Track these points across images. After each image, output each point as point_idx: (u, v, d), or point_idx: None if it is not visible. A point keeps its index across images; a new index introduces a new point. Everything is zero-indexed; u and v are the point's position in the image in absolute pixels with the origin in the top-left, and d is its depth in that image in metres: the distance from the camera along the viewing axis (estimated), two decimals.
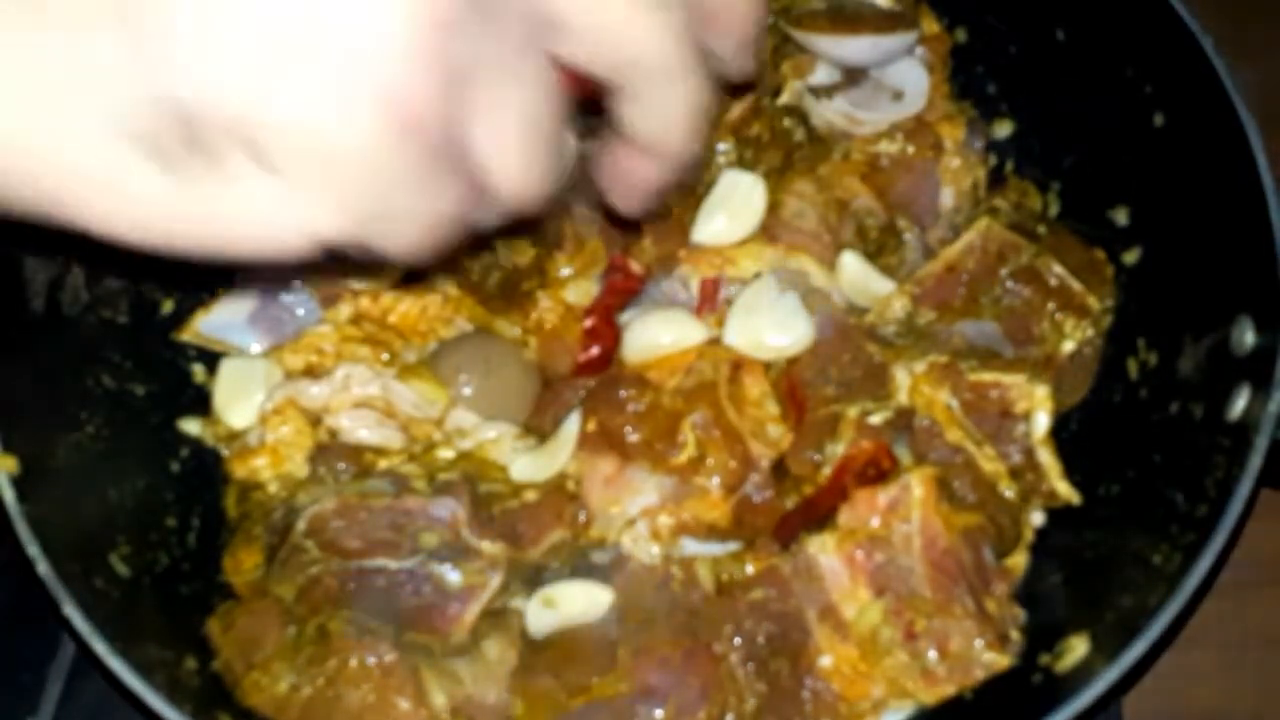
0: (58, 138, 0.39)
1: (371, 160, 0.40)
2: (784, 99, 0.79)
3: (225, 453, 0.74)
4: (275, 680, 0.63)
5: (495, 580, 0.67)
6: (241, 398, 0.73)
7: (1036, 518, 0.70)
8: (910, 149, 0.77)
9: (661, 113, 0.48)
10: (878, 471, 0.67)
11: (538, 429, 0.73)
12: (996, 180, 0.81)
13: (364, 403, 0.72)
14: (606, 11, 0.43)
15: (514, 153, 0.43)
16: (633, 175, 0.52)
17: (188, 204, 0.40)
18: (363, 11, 0.38)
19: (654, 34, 0.45)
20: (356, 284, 0.75)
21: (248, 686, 0.63)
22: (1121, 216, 0.75)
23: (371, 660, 0.62)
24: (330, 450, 0.72)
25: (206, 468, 0.73)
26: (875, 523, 0.65)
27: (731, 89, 0.73)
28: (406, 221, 0.43)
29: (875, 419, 0.68)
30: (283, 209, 0.40)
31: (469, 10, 0.39)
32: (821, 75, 0.79)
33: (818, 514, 0.67)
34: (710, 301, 0.74)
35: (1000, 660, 0.63)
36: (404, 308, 0.75)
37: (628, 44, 0.45)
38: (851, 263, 0.75)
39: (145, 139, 0.39)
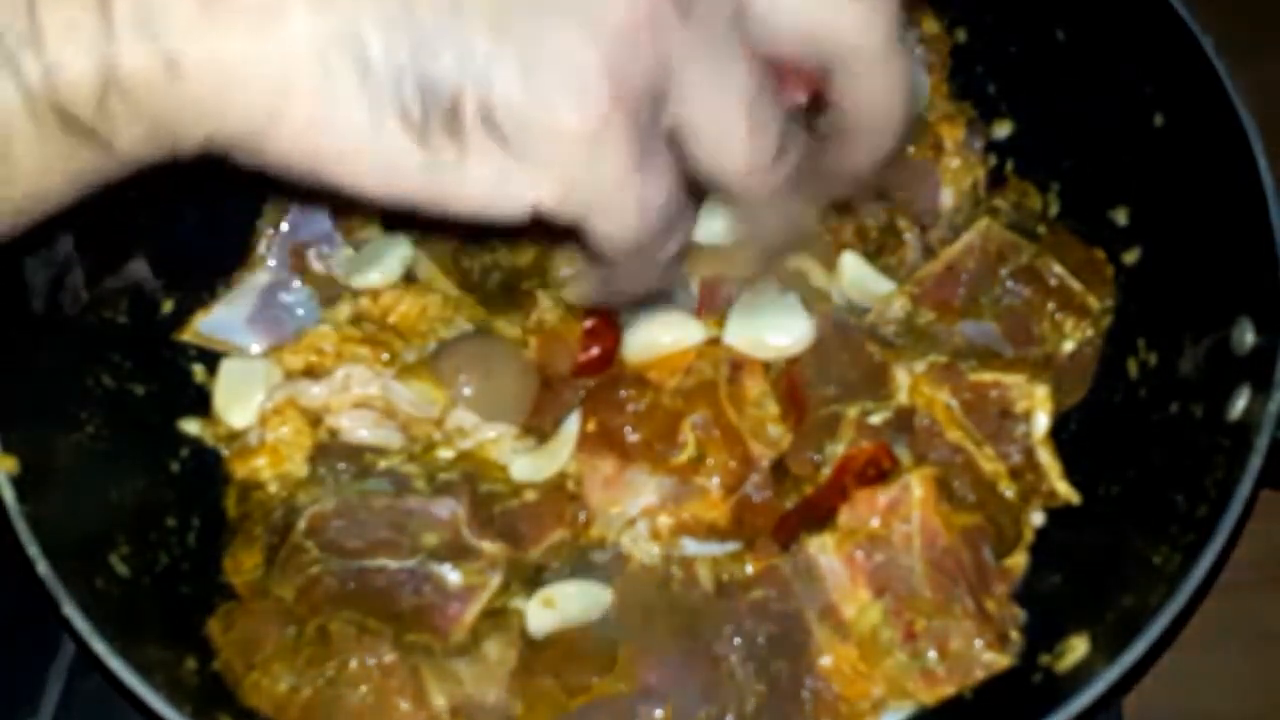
0: (332, 97, 0.41)
1: (593, 139, 0.43)
2: None
3: (225, 453, 0.74)
4: (275, 681, 0.63)
5: (495, 580, 0.67)
6: (241, 398, 0.73)
7: (1036, 518, 0.70)
8: (910, 149, 0.77)
9: (882, 90, 0.51)
10: (878, 471, 0.67)
11: (538, 429, 0.73)
12: (996, 180, 0.81)
13: (364, 403, 0.72)
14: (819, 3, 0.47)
15: (736, 132, 0.46)
16: (852, 160, 0.54)
17: (428, 170, 0.43)
18: (584, 11, 0.42)
19: (865, 16, 0.48)
20: (356, 284, 0.75)
21: (247, 687, 0.63)
22: (1121, 216, 0.75)
23: (371, 661, 0.62)
24: (330, 450, 0.72)
25: (206, 468, 0.73)
26: (875, 523, 0.65)
27: None
28: (622, 202, 0.45)
29: (875, 419, 0.68)
30: (509, 180, 0.43)
31: (669, 6, 0.43)
32: None
33: (818, 514, 0.67)
34: (710, 301, 0.74)
35: (1000, 660, 0.63)
36: (404, 308, 0.75)
37: (845, 30, 0.48)
38: (851, 263, 0.75)
39: (406, 111, 0.42)
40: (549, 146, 0.43)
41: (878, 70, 0.50)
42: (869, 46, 0.49)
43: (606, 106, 0.42)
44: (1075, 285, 0.73)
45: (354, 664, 0.62)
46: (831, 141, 0.53)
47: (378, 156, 0.43)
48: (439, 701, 0.62)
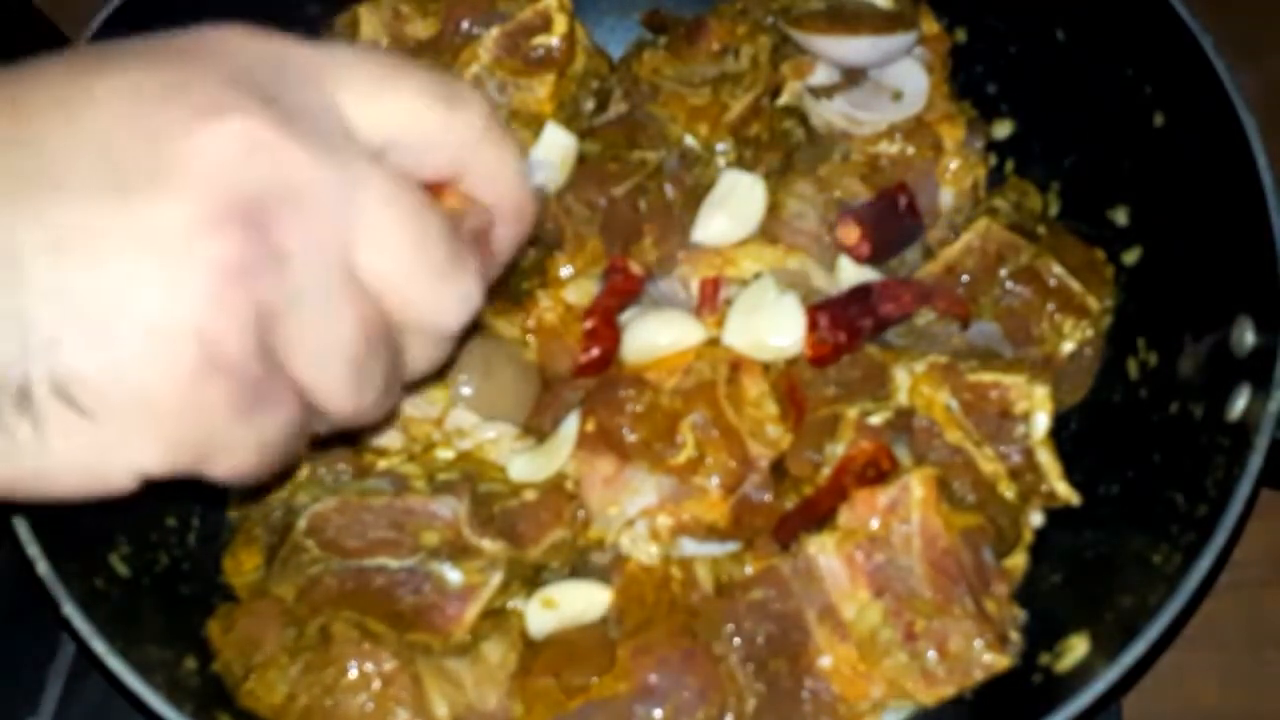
0: None
1: (188, 401, 0.39)
2: (784, 100, 0.80)
3: None
4: (270, 689, 0.63)
5: (495, 579, 0.67)
6: None
7: (1036, 518, 0.70)
8: (910, 149, 0.77)
9: (497, 176, 0.49)
10: (877, 472, 0.67)
11: (537, 429, 0.73)
12: (996, 180, 0.81)
13: None
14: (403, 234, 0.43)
15: (333, 378, 0.43)
16: (501, 245, 0.52)
17: (10, 458, 0.39)
18: (160, 271, 0.38)
19: (443, 118, 0.46)
20: None
21: (244, 694, 0.63)
22: (1121, 216, 0.75)
23: (371, 668, 0.62)
24: (330, 451, 0.72)
25: None
26: (875, 523, 0.65)
27: None
28: (235, 450, 0.42)
29: (875, 419, 0.68)
30: (105, 452, 0.40)
31: (262, 253, 0.39)
32: (821, 76, 0.79)
33: (817, 514, 0.67)
34: (710, 302, 0.74)
35: (1000, 661, 0.63)
36: None
37: (435, 134, 0.46)
38: (851, 263, 0.75)
39: None
40: (139, 414, 0.39)
41: (483, 158, 0.48)
42: (463, 141, 0.47)
43: (195, 368, 0.39)
44: (1075, 285, 0.73)
45: (354, 672, 0.62)
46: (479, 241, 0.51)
47: None
48: (440, 711, 0.62)
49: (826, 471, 0.68)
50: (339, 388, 0.44)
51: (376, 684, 0.62)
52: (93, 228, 0.38)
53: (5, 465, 0.40)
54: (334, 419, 0.46)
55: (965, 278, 0.74)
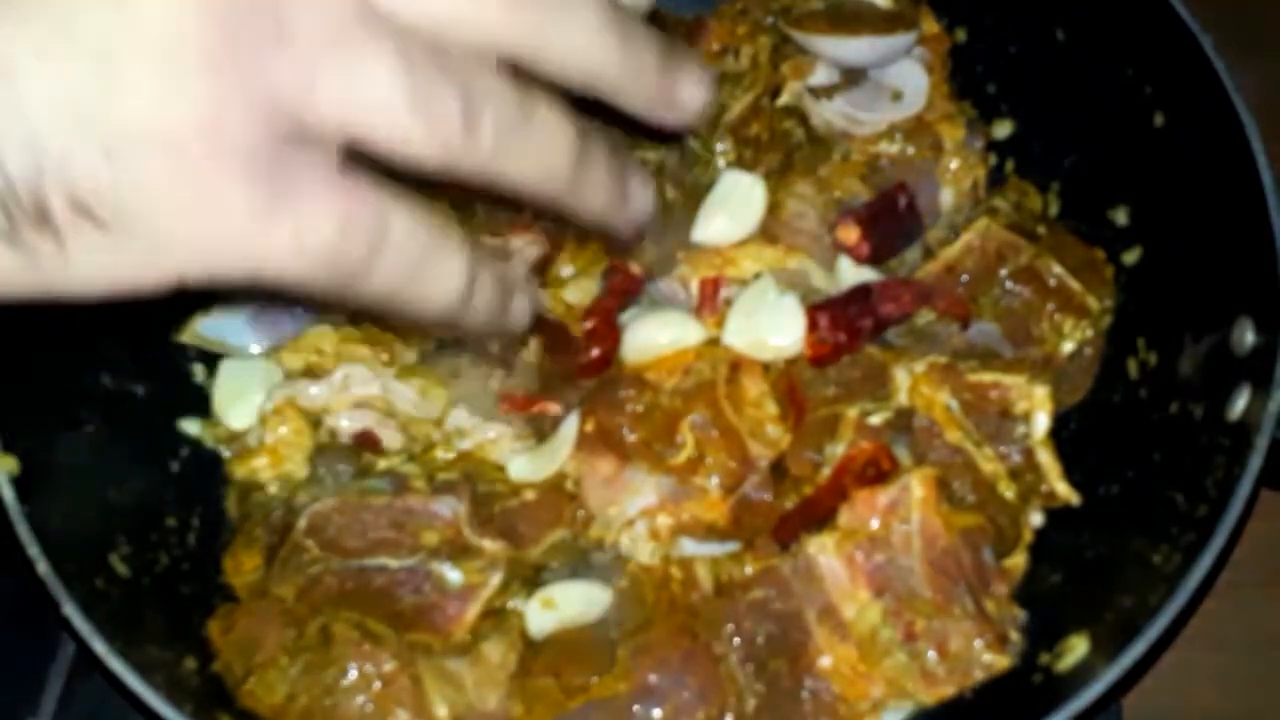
0: None
1: (207, 200, 0.38)
2: (784, 99, 0.80)
3: (225, 454, 0.74)
4: (270, 690, 0.63)
5: (495, 579, 0.67)
6: (241, 399, 0.73)
7: (1036, 518, 0.70)
8: (910, 149, 0.77)
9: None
10: (877, 472, 0.67)
11: (537, 429, 0.73)
12: (996, 180, 0.81)
13: (363, 403, 0.72)
14: None
15: (400, 109, 0.40)
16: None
17: (33, 271, 0.39)
18: (162, 67, 0.37)
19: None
20: None
21: (244, 695, 0.63)
22: (1121, 216, 0.75)
23: (371, 670, 0.62)
24: (330, 451, 0.72)
25: (206, 468, 0.73)
26: (875, 523, 0.65)
27: None
28: (274, 249, 0.40)
29: (875, 419, 0.68)
30: (134, 261, 0.39)
31: (266, 24, 0.38)
32: (821, 76, 0.79)
33: (817, 514, 0.66)
34: (710, 302, 0.74)
35: (1000, 661, 0.63)
36: None
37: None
38: (851, 263, 0.75)
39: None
40: (159, 220, 0.38)
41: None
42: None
43: (213, 166, 0.38)
44: (1075, 285, 0.73)
45: (354, 673, 0.62)
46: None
47: None
48: (440, 711, 0.62)
49: (826, 471, 0.68)
50: (402, 114, 0.39)
51: (376, 685, 0.62)
52: (90, 34, 0.37)
53: (35, 278, 0.39)
54: (411, 157, 0.41)
55: (965, 278, 0.74)
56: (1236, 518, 0.58)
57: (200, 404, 0.75)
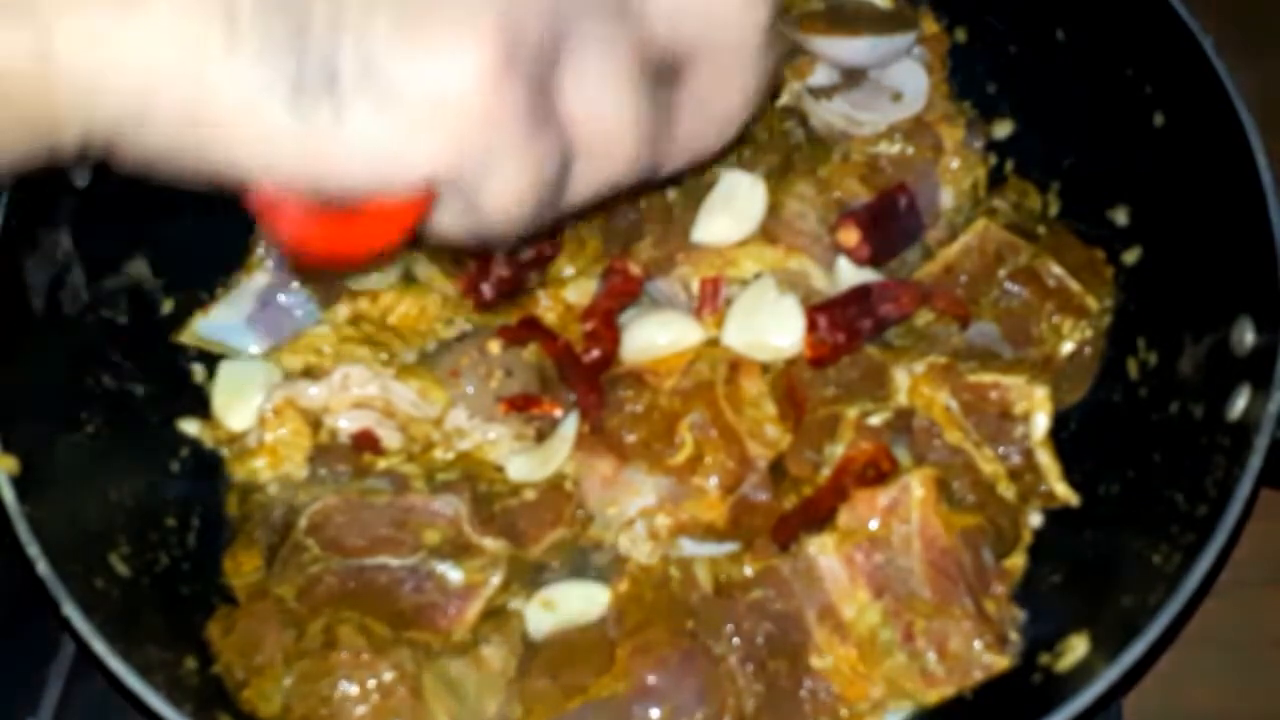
0: (202, 66, 0.40)
1: (485, 105, 0.41)
2: (783, 100, 0.80)
3: (225, 454, 0.74)
4: (267, 701, 0.62)
5: (496, 579, 0.67)
6: (240, 399, 0.73)
7: (1035, 519, 0.70)
8: (910, 149, 0.77)
9: (729, 86, 0.51)
10: (877, 472, 0.67)
11: (537, 429, 0.73)
12: (996, 180, 0.81)
13: (363, 403, 0.72)
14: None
15: (610, 100, 0.45)
16: (696, 140, 0.54)
17: (308, 140, 0.41)
18: None
19: (739, 9, 0.48)
20: (354, 284, 0.75)
21: (242, 702, 0.63)
22: (1121, 216, 0.75)
23: (372, 683, 0.61)
24: (329, 451, 0.72)
25: (206, 468, 0.73)
26: (875, 524, 0.65)
27: None
28: (510, 173, 0.44)
29: (874, 420, 0.68)
30: (397, 147, 0.42)
31: None
32: (821, 76, 0.79)
33: (817, 515, 0.67)
34: (710, 302, 0.74)
35: (999, 661, 0.63)
36: (403, 308, 0.75)
37: (716, 16, 0.48)
38: (851, 264, 0.75)
39: (280, 72, 0.40)
40: (436, 110, 0.41)
41: (732, 65, 0.50)
42: (732, 41, 0.49)
43: (501, 62, 0.41)
44: (1074, 285, 0.73)
45: (353, 687, 0.61)
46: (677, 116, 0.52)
47: (253, 128, 0.41)
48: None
49: (826, 472, 0.68)
50: (612, 108, 0.45)
51: (375, 698, 0.61)
52: None
53: (297, 148, 0.41)
54: (595, 155, 0.46)
55: (964, 278, 0.74)
56: (1236, 517, 0.58)
57: (200, 404, 0.75)
